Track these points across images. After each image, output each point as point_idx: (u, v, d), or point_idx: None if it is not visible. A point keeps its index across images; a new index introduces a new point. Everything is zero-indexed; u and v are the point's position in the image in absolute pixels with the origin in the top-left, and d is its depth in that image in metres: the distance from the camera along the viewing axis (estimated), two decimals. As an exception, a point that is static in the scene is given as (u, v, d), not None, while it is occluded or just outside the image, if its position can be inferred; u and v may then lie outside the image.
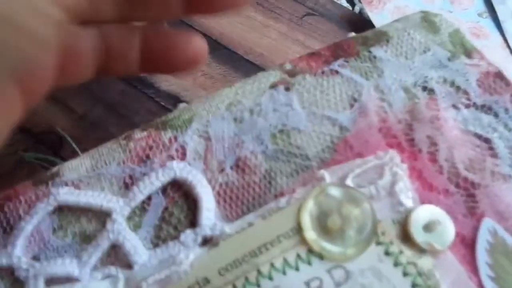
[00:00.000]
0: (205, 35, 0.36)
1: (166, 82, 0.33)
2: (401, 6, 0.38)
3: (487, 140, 0.21)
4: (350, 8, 0.39)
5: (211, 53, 0.35)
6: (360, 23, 0.38)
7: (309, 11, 0.38)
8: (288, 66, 0.23)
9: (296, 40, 0.37)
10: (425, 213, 0.19)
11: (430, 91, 0.22)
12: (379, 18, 0.37)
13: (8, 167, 0.29)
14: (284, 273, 0.17)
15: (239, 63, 0.35)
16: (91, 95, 0.32)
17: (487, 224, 0.19)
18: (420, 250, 0.18)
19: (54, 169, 0.21)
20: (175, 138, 0.21)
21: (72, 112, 0.31)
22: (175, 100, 0.32)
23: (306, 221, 0.18)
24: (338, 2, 0.39)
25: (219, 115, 0.21)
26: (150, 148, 0.21)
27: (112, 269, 0.18)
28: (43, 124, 0.31)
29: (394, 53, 0.23)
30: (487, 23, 0.39)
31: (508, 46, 0.37)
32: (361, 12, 0.39)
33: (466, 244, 0.19)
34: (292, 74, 0.23)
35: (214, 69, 0.35)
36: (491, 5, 0.39)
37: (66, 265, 0.18)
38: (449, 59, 0.23)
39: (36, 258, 0.19)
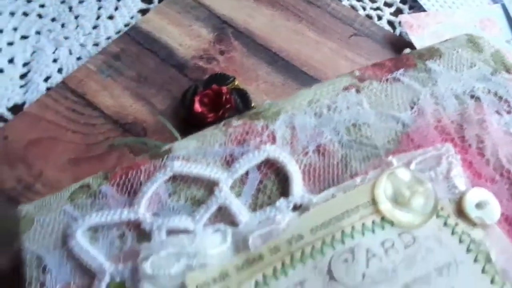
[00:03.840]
0: (266, 48, 0.41)
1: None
2: (438, 31, 0.43)
3: (525, 140, 0.25)
4: (392, 30, 0.44)
5: (271, 65, 0.40)
6: (399, 43, 0.43)
7: (356, 32, 0.43)
8: (357, 73, 0.27)
9: (344, 56, 0.41)
10: (476, 194, 0.23)
11: (477, 98, 0.26)
12: (419, 40, 0.41)
13: (100, 152, 0.34)
14: (363, 234, 0.22)
15: (296, 74, 0.40)
16: (170, 94, 0.37)
17: (527, 206, 0.23)
18: (473, 223, 0.22)
19: (167, 146, 0.25)
20: (267, 126, 0.26)
21: (154, 108, 0.36)
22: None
23: (381, 195, 0.22)
24: (381, 25, 0.44)
25: (302, 110, 0.26)
26: (246, 133, 0.25)
27: (221, 226, 0.22)
28: (130, 117, 0.36)
29: (445, 66, 0.28)
30: (514, 50, 0.43)
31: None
32: (401, 34, 0.44)
33: (509, 223, 0.23)
34: (361, 79, 0.27)
35: (274, 77, 0.39)
36: (518, 33, 0.43)
37: (182, 221, 0.23)
38: (492, 74, 0.27)
39: (156, 215, 0.23)
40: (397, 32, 0.44)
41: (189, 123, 0.34)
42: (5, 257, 0.30)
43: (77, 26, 0.39)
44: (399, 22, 0.45)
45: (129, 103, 0.36)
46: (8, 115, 0.35)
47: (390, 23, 0.45)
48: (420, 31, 0.43)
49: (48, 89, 0.37)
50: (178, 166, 0.24)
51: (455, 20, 0.45)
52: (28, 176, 0.32)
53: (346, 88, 0.27)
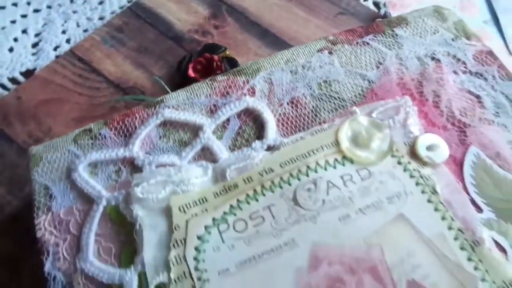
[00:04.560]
0: (257, 24, 0.44)
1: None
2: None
3: (477, 96, 0.28)
4: (376, 10, 0.47)
5: (261, 39, 0.43)
6: (384, 24, 0.46)
7: (342, 11, 0.46)
8: (331, 37, 0.31)
9: (330, 33, 0.44)
10: (428, 138, 0.26)
11: (437, 60, 0.29)
12: (400, 19, 0.44)
13: (102, 112, 0.37)
14: (325, 169, 0.25)
15: (284, 48, 0.43)
16: (167, 63, 0.40)
17: (473, 150, 0.26)
18: (423, 162, 0.25)
19: (159, 98, 0.29)
20: (247, 81, 0.29)
21: (152, 74, 0.40)
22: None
23: (343, 137, 0.26)
24: (366, 5, 0.47)
25: (279, 67, 0.29)
26: (229, 87, 0.29)
27: (203, 162, 0.26)
28: (130, 82, 0.39)
29: (411, 32, 0.31)
30: (491, 29, 0.46)
31: (508, 48, 0.44)
32: (385, 14, 0.47)
33: (457, 163, 0.26)
34: (334, 43, 0.30)
35: (263, 51, 0.42)
36: (495, 15, 0.46)
37: (170, 158, 0.26)
38: (452, 39, 0.30)
39: (148, 153, 0.27)
40: (382, 12, 0.47)
41: (184, 88, 0.38)
42: (18, 199, 0.33)
43: (85, 1, 0.43)
44: (384, 3, 0.47)
45: (130, 70, 0.40)
46: (21, 78, 0.39)
47: (376, 4, 0.48)
48: (403, 10, 0.46)
49: (57, 57, 0.40)
50: (168, 113, 0.28)
51: (436, 1, 0.47)
52: (38, 132, 0.36)
53: (320, 50, 0.30)
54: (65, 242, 0.25)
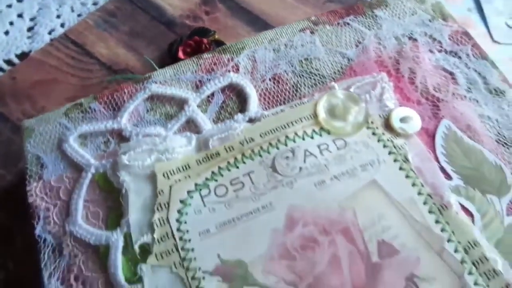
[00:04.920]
0: (247, 11, 0.45)
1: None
2: (405, -2, 0.47)
3: (451, 73, 0.29)
4: (364, -1, 0.49)
5: (251, 25, 0.45)
6: (371, 11, 0.47)
7: (330, -2, 0.47)
8: (313, 18, 0.32)
9: (318, 20, 0.46)
10: (402, 111, 0.27)
11: (414, 40, 0.31)
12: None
13: (96, 92, 0.38)
14: (303, 138, 0.26)
15: (272, 33, 0.44)
16: (159, 47, 0.42)
17: (445, 123, 0.27)
18: (397, 134, 0.26)
19: (147, 74, 0.30)
20: (232, 59, 0.30)
21: (143, 58, 0.41)
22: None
23: (321, 109, 0.27)
24: (354, -6, 0.48)
25: (263, 46, 0.30)
26: (214, 64, 0.30)
27: (188, 133, 0.27)
28: (122, 64, 0.40)
29: (390, 14, 0.32)
30: (475, 17, 0.47)
31: (491, 36, 0.46)
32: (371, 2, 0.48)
33: (429, 135, 0.27)
34: (316, 23, 0.32)
35: (252, 36, 0.44)
36: (479, 3, 0.47)
37: (157, 129, 0.27)
38: (430, 20, 0.31)
39: (135, 125, 0.28)
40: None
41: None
42: (12, 174, 0.34)
43: (79, -12, 0.44)
44: (371, -8, 0.49)
45: (122, 53, 0.41)
46: (16, 60, 0.40)
47: (363, -8, 0.49)
48: None
49: (51, 40, 0.42)
50: (156, 87, 0.29)
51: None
52: (32, 110, 0.37)
53: (302, 30, 0.31)
54: (55, 207, 0.26)
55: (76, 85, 0.39)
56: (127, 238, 0.24)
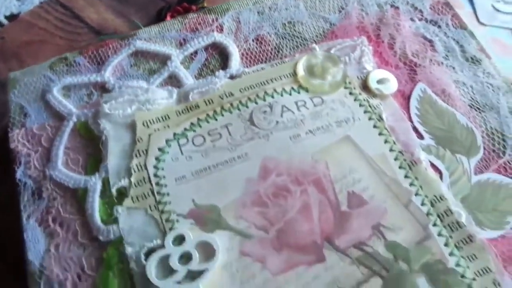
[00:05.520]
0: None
1: None
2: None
3: (430, 41, 0.30)
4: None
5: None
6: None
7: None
8: (298, -16, 0.32)
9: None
10: (379, 73, 0.28)
11: (396, 7, 0.31)
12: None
13: (83, 55, 0.39)
14: (281, 95, 0.27)
15: None
16: (148, 14, 0.42)
17: (421, 86, 0.28)
18: (373, 94, 0.27)
19: (132, 32, 0.30)
20: (216, 19, 0.31)
21: (131, 23, 0.41)
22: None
23: (300, 68, 0.27)
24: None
25: (247, 8, 0.31)
26: (199, 24, 0.30)
27: (169, 87, 0.27)
28: (110, 29, 0.41)
29: (374, -18, 0.32)
30: (462, -2, 0.48)
31: (477, 16, 0.46)
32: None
33: (404, 97, 0.28)
34: (301, -11, 0.32)
35: (242, 7, 0.44)
36: (467, -16, 0.48)
37: (139, 83, 0.28)
38: (412, -10, 0.32)
39: (118, 79, 0.28)
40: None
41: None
42: (-4, 130, 0.35)
43: (70, -47, 0.44)
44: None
45: (111, 18, 0.41)
46: (5, 22, 0.41)
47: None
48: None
49: (41, 3, 0.42)
50: (140, 43, 0.29)
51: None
52: (19, 69, 0.37)
53: (287, -6, 0.32)
54: (36, 153, 0.26)
55: (64, 46, 0.39)
56: (105, 182, 0.25)
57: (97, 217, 0.23)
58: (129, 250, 0.22)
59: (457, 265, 0.22)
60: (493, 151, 0.26)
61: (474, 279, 0.22)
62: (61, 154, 0.26)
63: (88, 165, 0.26)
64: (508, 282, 0.22)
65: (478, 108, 0.28)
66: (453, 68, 0.29)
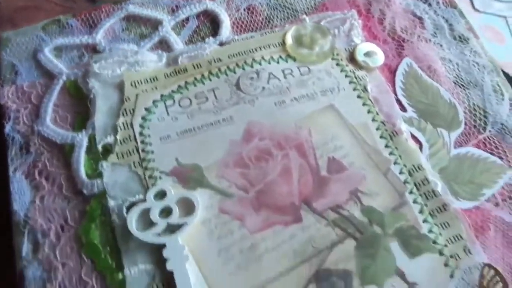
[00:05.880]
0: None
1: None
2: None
3: (420, 18, 0.30)
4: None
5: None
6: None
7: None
8: (293, -43, 0.33)
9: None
10: (367, 46, 0.28)
11: (388, -16, 0.31)
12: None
13: (78, 23, 0.39)
14: (269, 62, 0.27)
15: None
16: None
17: (407, 61, 0.28)
18: (360, 66, 0.28)
19: (126, -3, 0.31)
20: (210, -12, 0.31)
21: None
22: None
23: (288, 38, 0.28)
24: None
25: (241, -22, 0.31)
26: (192, -9, 0.31)
27: (159, 51, 0.28)
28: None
29: (368, -41, 0.33)
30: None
31: (472, 3, 0.47)
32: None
33: (391, 71, 0.28)
34: (295, -38, 0.32)
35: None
36: (465, -29, 0.48)
37: (130, 46, 0.28)
38: (406, -31, 0.32)
39: (110, 42, 0.29)
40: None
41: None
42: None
43: None
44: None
45: (107, -12, 0.41)
46: (1, -14, 0.41)
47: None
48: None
49: (38, -30, 0.42)
50: (132, 8, 0.30)
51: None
52: (13, 33, 0.38)
53: (281, -33, 0.32)
54: (25, 110, 0.27)
55: (59, 12, 0.39)
56: (91, 139, 0.25)
57: (82, 171, 0.24)
58: (111, 203, 0.23)
59: (430, 231, 0.23)
60: (474, 126, 0.27)
61: (445, 245, 0.23)
62: (50, 111, 0.26)
63: (75, 123, 0.26)
64: (478, 250, 0.23)
65: (463, 85, 0.28)
66: (441, 45, 0.29)
